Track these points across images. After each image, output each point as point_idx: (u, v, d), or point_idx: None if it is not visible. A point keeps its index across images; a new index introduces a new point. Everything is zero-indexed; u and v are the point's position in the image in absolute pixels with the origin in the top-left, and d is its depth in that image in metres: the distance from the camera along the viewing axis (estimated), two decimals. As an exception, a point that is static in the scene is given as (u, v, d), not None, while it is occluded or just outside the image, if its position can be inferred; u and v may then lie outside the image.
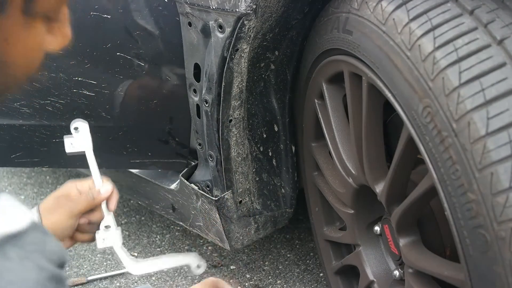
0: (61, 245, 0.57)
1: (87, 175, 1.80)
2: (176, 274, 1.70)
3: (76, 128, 1.12)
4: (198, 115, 1.28)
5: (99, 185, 1.11)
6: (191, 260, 1.18)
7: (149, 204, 1.60)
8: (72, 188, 1.11)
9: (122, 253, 1.13)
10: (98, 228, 1.11)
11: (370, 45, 0.96)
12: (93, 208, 1.10)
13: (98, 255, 1.81)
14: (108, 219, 1.11)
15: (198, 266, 1.17)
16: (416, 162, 1.02)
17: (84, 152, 1.12)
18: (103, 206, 1.10)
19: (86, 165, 1.52)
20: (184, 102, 1.31)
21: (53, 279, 0.53)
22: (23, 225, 0.53)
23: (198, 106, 1.27)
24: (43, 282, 0.52)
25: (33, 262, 0.52)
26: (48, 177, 2.35)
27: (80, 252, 1.83)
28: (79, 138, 1.11)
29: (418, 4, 0.88)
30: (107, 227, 1.11)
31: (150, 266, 1.17)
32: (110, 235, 1.11)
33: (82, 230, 1.11)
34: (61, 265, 0.56)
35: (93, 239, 1.13)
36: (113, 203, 1.11)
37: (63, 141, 1.42)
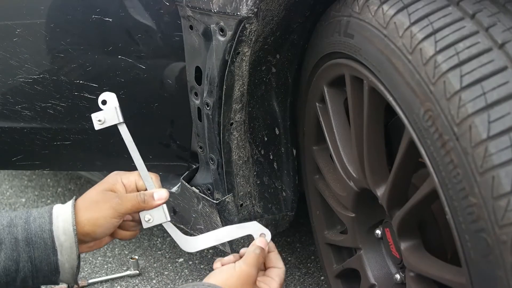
0: None
1: (88, 177, 1.80)
2: (177, 277, 1.70)
3: (104, 102, 1.03)
4: (199, 118, 1.28)
5: (150, 186, 1.01)
6: (253, 230, 1.03)
7: (150, 207, 1.60)
8: (118, 182, 1.02)
9: (172, 230, 1.03)
10: (141, 226, 1.02)
11: (371, 48, 0.96)
12: (141, 210, 1.01)
13: (99, 258, 1.81)
14: None
15: (262, 236, 1.02)
16: (417, 166, 1.02)
17: (113, 125, 1.02)
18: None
19: (87, 168, 1.53)
20: (185, 105, 1.31)
21: None
22: None
23: (199, 109, 1.27)
24: None
25: None
26: (49, 180, 2.35)
27: (81, 255, 1.82)
28: (107, 113, 1.02)
29: (419, 8, 0.88)
30: None
31: (205, 242, 1.04)
32: (155, 213, 1.01)
33: (124, 227, 1.03)
34: None
35: (134, 236, 1.04)
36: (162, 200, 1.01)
37: (64, 144, 1.43)
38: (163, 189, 1.03)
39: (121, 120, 1.03)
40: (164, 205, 1.02)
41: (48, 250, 0.95)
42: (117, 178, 1.03)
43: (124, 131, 1.03)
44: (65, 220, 0.96)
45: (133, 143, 1.04)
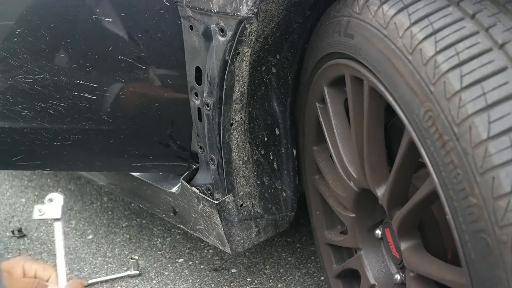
0: None
1: (89, 177, 1.80)
2: (177, 277, 1.69)
3: (50, 200, 1.12)
4: (200, 118, 1.28)
5: (62, 282, 1.05)
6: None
7: (150, 207, 1.60)
8: (19, 266, 1.03)
9: None
10: None
11: (371, 49, 0.96)
12: None
13: (99, 258, 1.81)
14: None
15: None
16: (417, 166, 1.02)
17: (53, 220, 1.11)
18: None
19: (87, 168, 1.53)
20: (185, 106, 1.31)
21: None
22: None
23: (199, 110, 1.27)
24: None
25: None
26: (49, 180, 2.35)
27: (81, 255, 1.82)
28: (50, 207, 1.12)
29: (420, 8, 0.88)
30: None
31: None
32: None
33: None
34: None
35: None
36: None
37: (64, 144, 1.43)
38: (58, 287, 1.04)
39: (59, 216, 1.12)
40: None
41: None
42: (19, 262, 1.04)
43: (58, 227, 1.11)
44: None
45: (62, 241, 1.10)
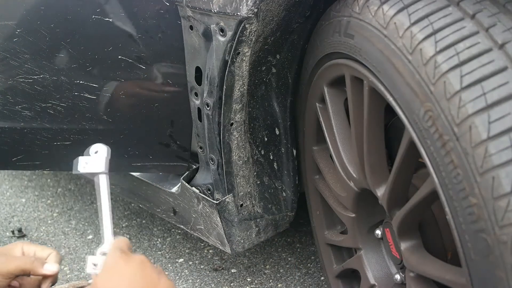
0: None
1: (89, 178, 1.80)
2: (177, 277, 1.69)
3: (96, 152, 1.08)
4: (199, 118, 1.28)
5: (108, 237, 1.01)
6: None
7: (150, 207, 1.60)
8: (17, 247, 1.02)
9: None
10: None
11: (371, 49, 0.96)
12: (28, 273, 0.99)
13: (99, 258, 1.81)
14: None
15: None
16: (417, 166, 1.02)
17: (94, 173, 1.04)
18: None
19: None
20: (185, 106, 1.31)
21: None
22: None
23: (199, 110, 1.27)
24: None
25: None
26: (49, 180, 2.35)
27: (81, 255, 1.82)
28: (94, 160, 1.06)
29: (420, 8, 0.88)
30: None
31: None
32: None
33: None
34: None
35: None
36: (46, 285, 1.01)
37: (64, 144, 1.43)
38: (55, 264, 1.03)
39: (104, 169, 1.06)
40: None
41: None
42: (18, 245, 1.03)
43: (103, 180, 1.06)
44: None
45: (108, 195, 1.05)
